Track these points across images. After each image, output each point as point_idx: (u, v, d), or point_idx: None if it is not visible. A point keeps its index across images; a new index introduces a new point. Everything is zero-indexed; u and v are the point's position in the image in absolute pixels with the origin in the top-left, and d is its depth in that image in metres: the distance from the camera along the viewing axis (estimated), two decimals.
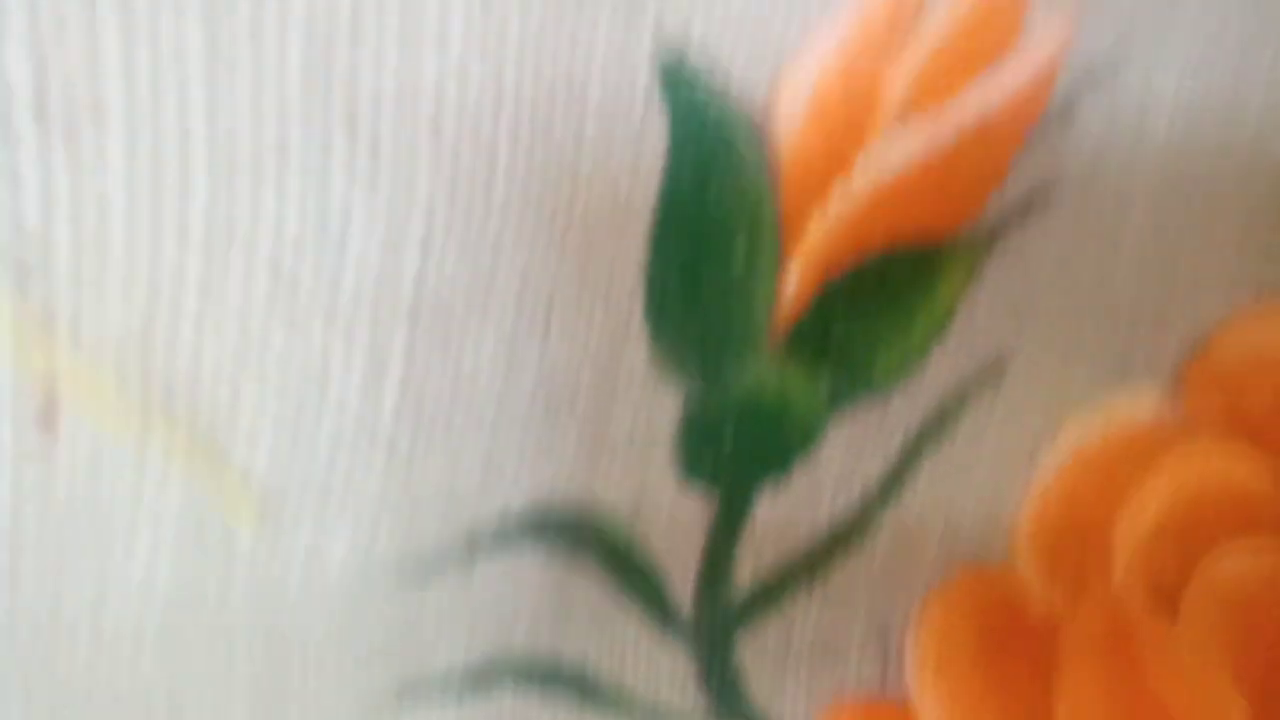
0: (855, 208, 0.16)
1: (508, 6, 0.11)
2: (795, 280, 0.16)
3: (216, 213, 0.11)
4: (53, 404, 0.10)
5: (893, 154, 0.15)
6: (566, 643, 0.17)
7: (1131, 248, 0.17)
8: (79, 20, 0.10)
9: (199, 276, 0.11)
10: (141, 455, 0.11)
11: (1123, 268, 0.17)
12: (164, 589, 0.12)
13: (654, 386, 0.16)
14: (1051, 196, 0.17)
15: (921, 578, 0.18)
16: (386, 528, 0.13)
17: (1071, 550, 0.19)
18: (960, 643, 0.19)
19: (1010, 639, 0.19)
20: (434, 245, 0.12)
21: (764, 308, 0.16)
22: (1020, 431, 0.18)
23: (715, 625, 0.18)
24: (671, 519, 0.17)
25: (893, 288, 0.17)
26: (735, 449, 0.17)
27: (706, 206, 0.15)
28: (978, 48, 0.15)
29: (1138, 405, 0.18)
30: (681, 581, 0.17)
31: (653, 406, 0.16)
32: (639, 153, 0.14)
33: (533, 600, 0.16)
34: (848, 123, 0.15)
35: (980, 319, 0.17)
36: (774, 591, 0.18)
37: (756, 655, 0.18)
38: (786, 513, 0.18)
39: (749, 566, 0.18)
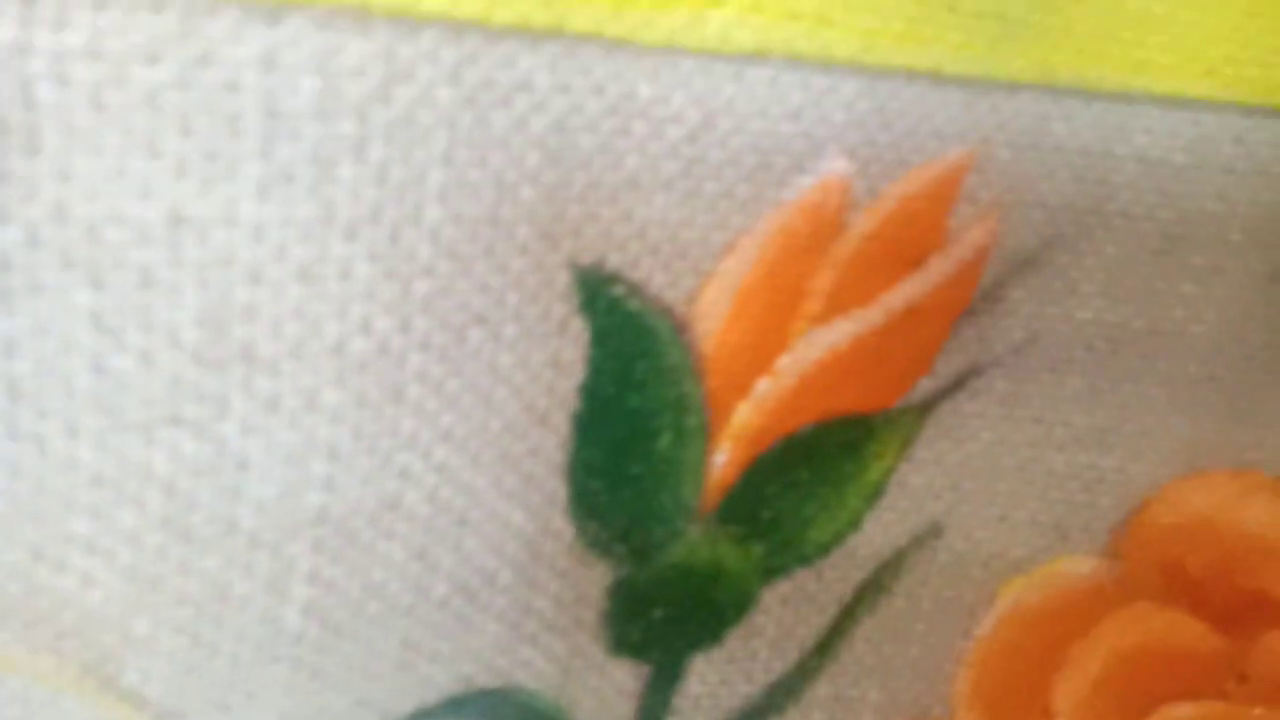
0: (781, 396, 0.16)
1: (411, 268, 0.11)
2: (724, 459, 0.16)
3: (106, 451, 0.11)
4: None
5: (816, 349, 0.15)
6: None
7: (1065, 419, 0.17)
8: None
9: (88, 509, 0.11)
10: (27, 683, 0.11)
11: (1057, 438, 0.17)
12: None
13: (577, 572, 0.16)
14: (983, 373, 0.17)
15: None
16: None
17: (1012, 709, 0.19)
18: None
19: None
20: (339, 457, 0.12)
21: (692, 486, 0.16)
22: (958, 594, 0.18)
23: None
24: (600, 692, 0.17)
25: (823, 459, 0.17)
26: (666, 621, 0.17)
27: (629, 403, 0.15)
28: (900, 252, 0.15)
29: (1075, 569, 0.18)
30: None
31: (576, 591, 0.16)
32: (556, 366, 0.14)
33: None
34: (770, 326, 0.15)
35: (914, 487, 0.17)
36: None
37: None
38: (720, 679, 0.18)
39: None
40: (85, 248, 0.09)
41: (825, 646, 0.18)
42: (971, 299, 0.16)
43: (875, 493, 0.17)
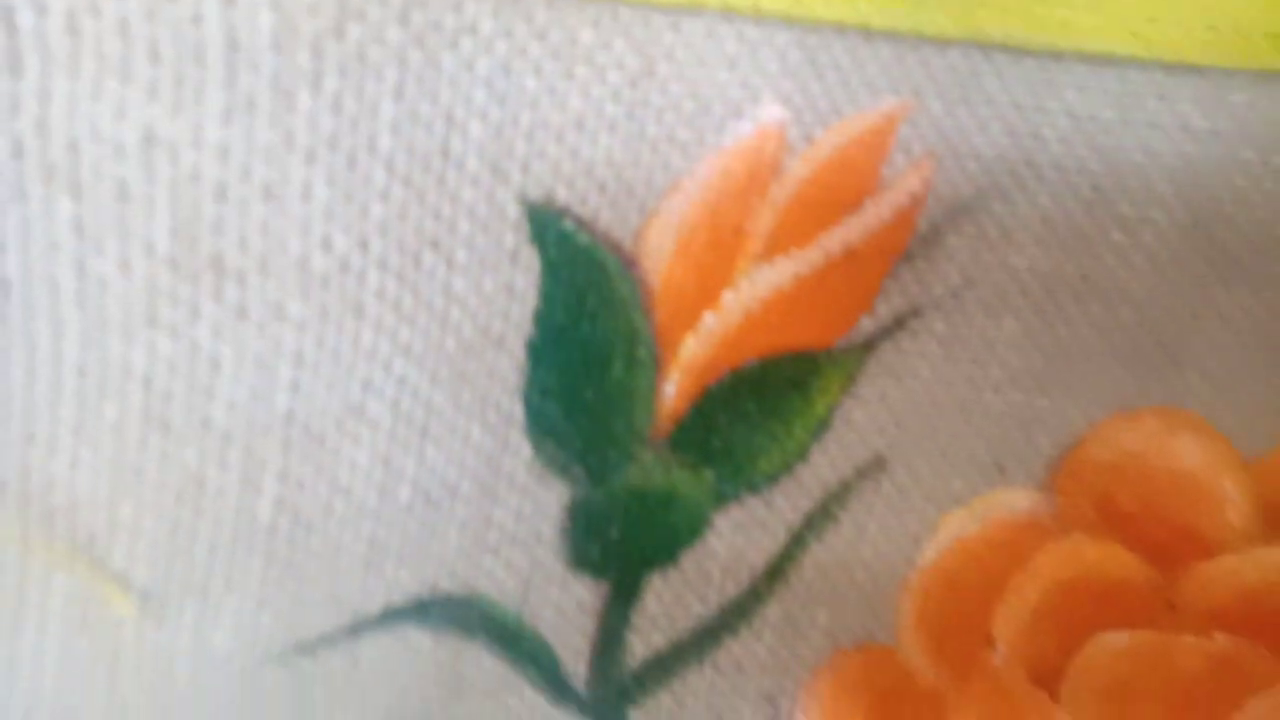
0: (726, 331, 0.17)
1: (368, 193, 0.13)
2: (674, 389, 0.17)
3: (89, 346, 0.12)
4: None
5: (759, 287, 0.17)
6: (459, 717, 0.18)
7: (1002, 359, 0.18)
8: None
9: (74, 397, 0.12)
10: (23, 557, 0.13)
11: (994, 377, 0.18)
12: (53, 668, 0.14)
13: (538, 488, 0.17)
14: (922, 315, 0.18)
15: (810, 657, 0.20)
16: (267, 622, 0.15)
17: (954, 634, 0.20)
18: (848, 716, 0.20)
19: (897, 711, 0.20)
20: (305, 363, 0.13)
21: (644, 413, 0.17)
22: (902, 525, 0.19)
23: (608, 701, 0.19)
24: (560, 606, 0.18)
25: (770, 393, 0.18)
26: (622, 541, 0.18)
27: (581, 332, 0.16)
28: (836, 196, 0.16)
29: (1013, 502, 0.19)
30: (574, 660, 0.19)
31: (535, 506, 0.17)
32: (510, 292, 0.15)
33: (422, 679, 0.17)
34: (714, 263, 0.16)
35: (858, 422, 0.18)
36: (665, 669, 0.19)
37: None
38: (675, 598, 0.19)
39: (640, 646, 0.19)
40: (66, 161, 0.11)
41: (775, 570, 0.19)
42: (909, 244, 0.17)
43: (821, 426, 0.18)
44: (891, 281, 0.18)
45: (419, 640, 0.17)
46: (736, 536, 0.19)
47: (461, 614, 0.17)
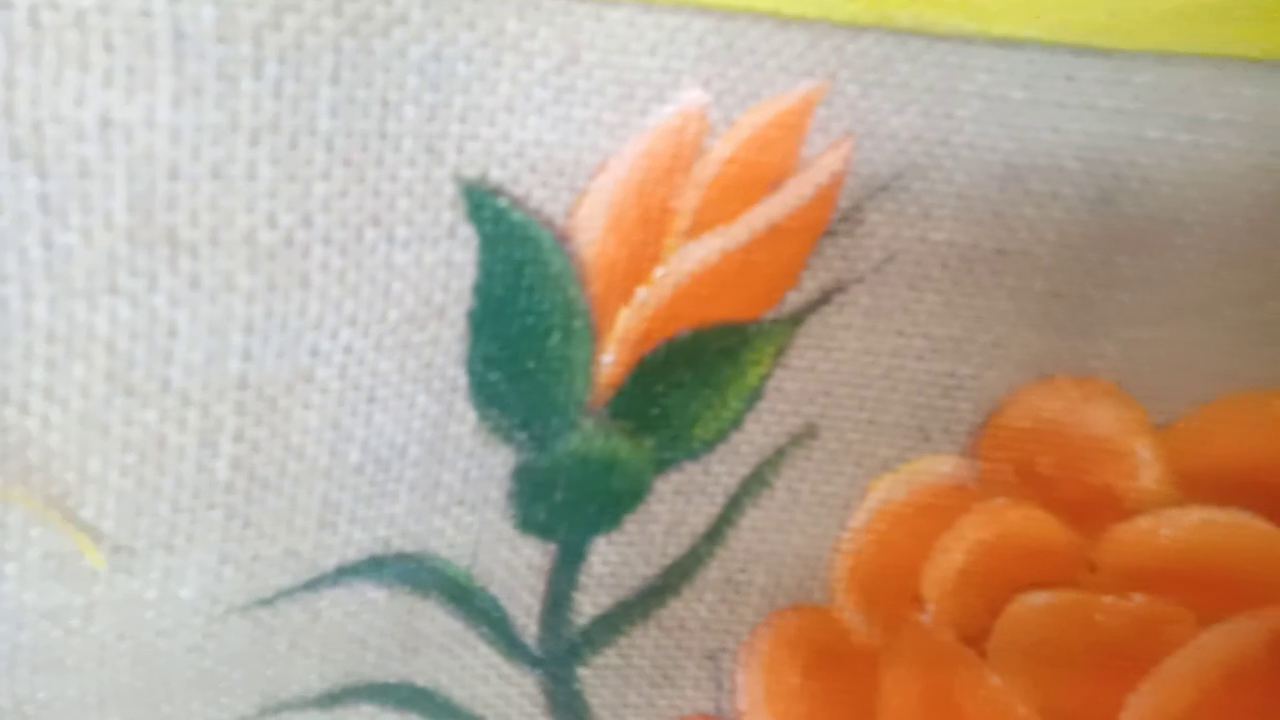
0: (659, 304, 0.18)
1: (309, 172, 0.14)
2: (611, 359, 0.18)
3: (57, 311, 0.13)
4: None
5: (688, 262, 0.18)
6: (417, 671, 0.19)
7: (925, 330, 0.19)
8: None
9: (44, 359, 0.13)
10: (3, 512, 0.14)
11: (917, 347, 0.20)
12: (33, 618, 0.15)
13: (483, 452, 0.18)
14: (847, 289, 0.19)
15: (749, 615, 0.21)
16: (230, 575, 0.16)
17: (885, 594, 0.21)
18: (786, 672, 0.21)
19: (832, 668, 0.21)
20: (255, 331, 0.15)
21: (583, 383, 0.18)
22: (833, 490, 0.20)
23: (558, 657, 0.20)
24: (510, 566, 0.19)
25: (704, 363, 0.19)
26: (567, 505, 0.19)
27: (520, 304, 0.17)
28: (758, 175, 0.17)
29: (938, 467, 0.20)
30: (524, 618, 0.20)
31: (482, 470, 0.18)
32: (449, 266, 0.16)
33: (379, 633, 0.18)
34: (644, 239, 0.17)
35: (789, 392, 0.20)
36: (612, 628, 0.20)
37: (599, 683, 0.21)
38: (620, 560, 0.20)
39: (588, 605, 0.20)
40: (31, 142, 0.12)
41: (715, 534, 0.20)
42: (831, 221, 0.18)
43: (754, 395, 0.19)
44: (816, 257, 0.19)
45: (374, 596, 0.18)
46: (677, 501, 0.20)
47: (414, 571, 0.18)
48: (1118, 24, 0.18)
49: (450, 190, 0.16)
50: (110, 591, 0.15)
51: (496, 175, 0.16)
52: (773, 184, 0.18)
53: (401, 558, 0.18)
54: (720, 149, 0.17)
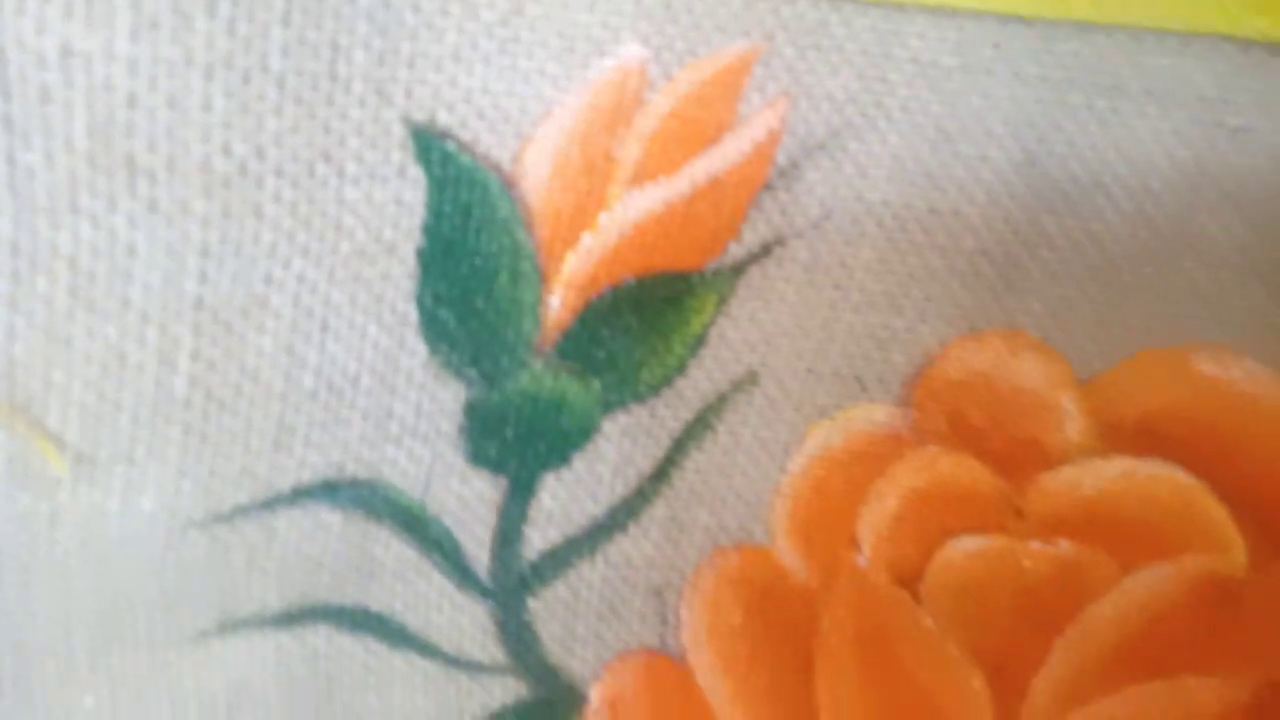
0: (604, 250, 0.19)
1: (262, 107, 0.15)
2: (558, 302, 0.19)
3: (22, 227, 0.14)
4: None
5: (632, 210, 0.19)
6: (372, 597, 0.20)
7: (860, 284, 0.20)
8: None
9: (9, 272, 0.15)
10: None
11: (853, 300, 0.20)
12: (1, 524, 0.16)
13: (435, 386, 0.19)
14: (786, 243, 0.20)
15: (693, 554, 0.22)
16: (188, 489, 0.17)
17: (823, 537, 0.22)
18: (728, 610, 0.22)
19: (772, 606, 0.22)
20: (211, 255, 0.16)
21: (531, 323, 0.19)
22: (773, 435, 0.21)
23: (509, 589, 0.21)
24: (462, 498, 0.20)
25: (648, 310, 0.20)
26: (517, 442, 0.20)
27: (468, 245, 0.18)
28: (697, 129, 0.18)
29: (873, 415, 0.21)
30: (476, 550, 0.21)
31: (434, 403, 0.19)
32: (399, 204, 0.17)
33: (334, 556, 0.20)
34: (589, 187, 0.18)
35: (732, 340, 0.21)
36: (560, 562, 0.21)
37: (548, 615, 0.22)
38: (568, 496, 0.21)
39: (537, 539, 0.21)
40: None
41: (660, 474, 0.21)
42: (769, 177, 0.19)
43: (697, 343, 0.20)
44: (756, 211, 0.20)
45: (329, 519, 0.19)
46: (624, 442, 0.21)
47: (368, 497, 0.19)
48: None
49: (399, 132, 0.17)
50: (74, 500, 0.17)
51: (444, 120, 0.17)
52: (711, 139, 0.19)
53: (355, 483, 0.19)
54: (660, 103, 0.18)
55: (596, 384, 0.20)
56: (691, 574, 0.22)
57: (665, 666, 0.22)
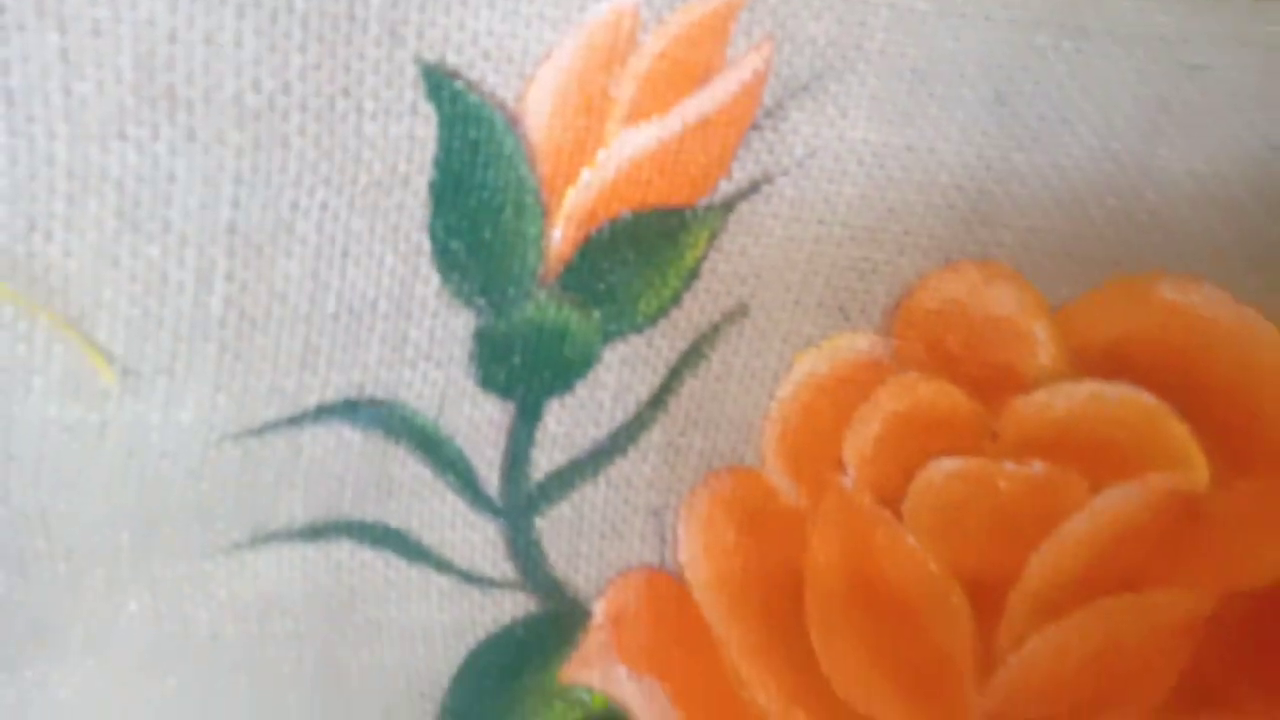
0: (602, 185, 0.21)
1: (288, 45, 0.17)
2: (560, 235, 0.21)
3: (75, 151, 0.16)
4: None
5: (628, 147, 0.20)
6: (391, 513, 0.22)
7: (843, 219, 0.22)
8: None
9: (64, 194, 0.16)
10: (30, 327, 0.17)
11: (836, 234, 0.22)
12: (55, 421, 0.18)
13: (447, 313, 0.21)
14: (773, 180, 0.21)
15: (689, 476, 0.23)
16: (223, 403, 0.19)
17: (810, 460, 0.23)
18: (722, 529, 0.23)
19: (763, 526, 0.23)
20: (243, 183, 0.17)
21: (535, 255, 0.21)
22: (762, 363, 0.23)
23: (518, 508, 0.23)
24: (473, 420, 0.22)
25: (645, 244, 0.21)
26: (524, 368, 0.22)
27: (475, 178, 0.20)
28: (687, 70, 0.20)
29: (856, 344, 0.22)
30: (487, 470, 0.22)
31: (447, 329, 0.21)
32: (412, 139, 0.19)
33: (355, 473, 0.21)
34: (587, 125, 0.20)
35: (723, 273, 0.22)
36: (565, 483, 0.23)
37: (554, 534, 0.23)
38: (572, 421, 0.23)
39: (544, 461, 0.23)
40: (52, 2, 0.15)
41: (657, 401, 0.23)
42: (756, 117, 0.21)
43: (691, 275, 0.22)
44: (745, 150, 0.21)
45: (351, 437, 0.21)
46: (623, 370, 0.22)
47: (386, 417, 0.21)
48: None
49: (412, 71, 0.18)
50: (120, 411, 0.18)
51: (453, 60, 0.18)
52: (701, 80, 0.20)
53: (374, 403, 0.21)
54: (652, 44, 0.20)
55: (597, 314, 0.22)
56: (688, 495, 0.23)
57: (664, 583, 0.23)
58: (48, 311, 0.17)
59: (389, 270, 0.20)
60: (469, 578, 0.23)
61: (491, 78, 0.19)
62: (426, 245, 0.20)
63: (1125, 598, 0.23)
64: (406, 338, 0.20)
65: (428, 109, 0.19)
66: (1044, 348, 0.22)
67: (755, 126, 0.21)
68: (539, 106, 0.19)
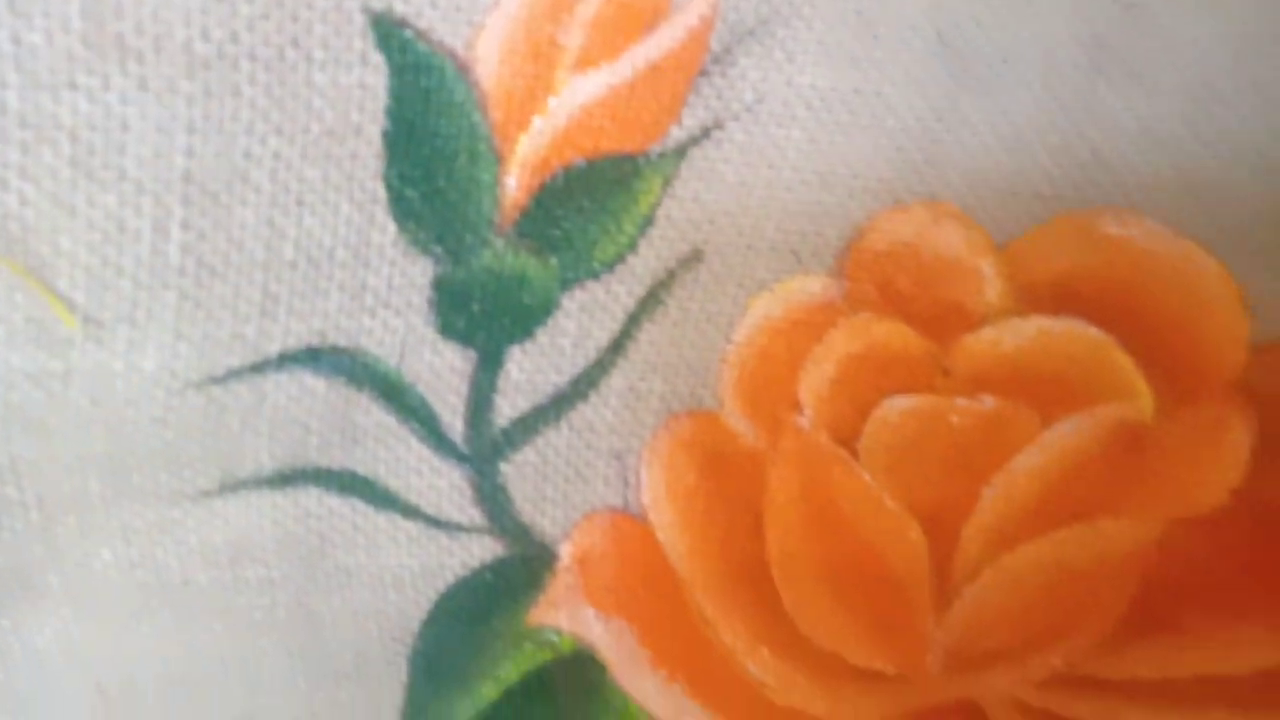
0: (554, 133, 0.21)
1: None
2: (515, 183, 0.21)
3: (27, 100, 0.16)
4: None
5: (578, 94, 0.21)
6: (357, 461, 0.23)
7: (793, 163, 0.22)
8: None
9: (18, 142, 0.17)
10: None
11: (786, 178, 0.22)
12: (19, 369, 0.18)
13: (405, 261, 0.21)
14: (724, 126, 0.22)
15: (650, 420, 0.24)
16: (185, 351, 0.19)
17: (767, 401, 0.24)
18: (683, 471, 0.24)
19: (723, 467, 0.24)
20: (196, 131, 0.18)
21: (490, 203, 0.21)
22: (718, 308, 0.23)
23: (483, 454, 0.23)
24: (435, 368, 0.22)
25: (599, 191, 0.22)
26: (483, 316, 0.22)
27: (428, 126, 0.20)
28: (634, 17, 0.20)
29: (809, 286, 0.23)
30: (451, 417, 0.23)
31: (405, 277, 0.21)
32: (363, 88, 0.19)
33: (320, 420, 0.22)
34: (536, 72, 0.20)
35: (677, 219, 0.22)
36: (529, 429, 0.23)
37: (519, 479, 0.24)
38: (534, 367, 0.23)
39: (507, 408, 0.23)
40: None
41: (616, 346, 0.23)
42: (704, 63, 0.21)
43: (646, 222, 0.22)
44: (695, 96, 0.22)
45: (314, 385, 0.21)
46: (582, 316, 0.23)
47: (348, 365, 0.22)
48: None
49: (360, 20, 0.19)
50: (83, 359, 0.19)
51: (401, 9, 0.19)
52: (649, 25, 0.21)
53: (336, 351, 0.21)
54: None
55: (554, 261, 0.22)
56: (649, 438, 0.24)
57: (628, 525, 0.24)
58: (7, 260, 0.17)
59: (345, 219, 0.20)
60: (436, 523, 0.23)
61: (440, 26, 0.19)
62: (382, 194, 0.20)
63: (1076, 528, 0.23)
64: (365, 285, 0.21)
65: (378, 58, 0.19)
66: (991, 285, 0.23)
67: (704, 73, 0.21)
68: (489, 54, 0.20)
